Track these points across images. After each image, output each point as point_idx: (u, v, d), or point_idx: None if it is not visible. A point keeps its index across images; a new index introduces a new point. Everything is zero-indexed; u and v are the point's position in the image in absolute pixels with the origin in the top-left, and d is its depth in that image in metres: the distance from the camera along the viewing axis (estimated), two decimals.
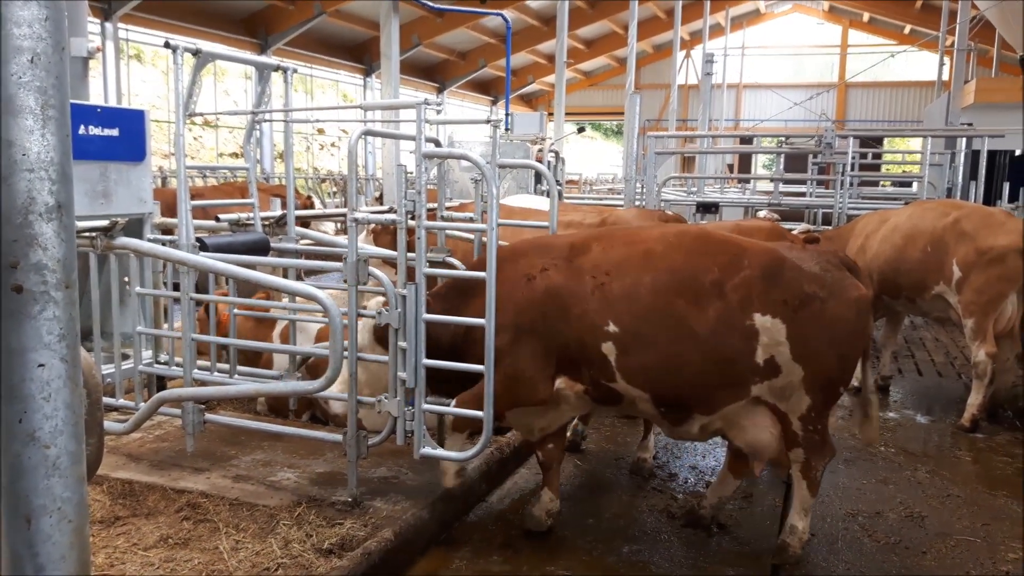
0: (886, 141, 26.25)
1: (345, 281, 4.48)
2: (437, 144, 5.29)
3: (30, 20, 1.54)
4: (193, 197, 7.99)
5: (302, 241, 6.01)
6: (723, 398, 4.25)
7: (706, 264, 4.20)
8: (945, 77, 26.74)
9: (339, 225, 11.94)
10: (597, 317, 4.20)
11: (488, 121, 4.79)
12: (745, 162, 33.56)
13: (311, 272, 8.28)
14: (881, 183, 19.78)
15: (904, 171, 22.85)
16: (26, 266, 1.60)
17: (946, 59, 27.13)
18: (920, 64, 37.59)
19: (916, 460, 6.10)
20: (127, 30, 21.59)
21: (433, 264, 4.89)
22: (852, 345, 4.26)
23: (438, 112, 4.45)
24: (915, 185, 12.67)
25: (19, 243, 1.59)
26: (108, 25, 19.93)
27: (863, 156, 15.17)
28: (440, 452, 4.57)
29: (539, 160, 11.21)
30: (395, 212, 4.42)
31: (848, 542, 4.75)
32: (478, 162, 4.22)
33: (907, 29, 37.18)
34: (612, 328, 4.18)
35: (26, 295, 1.61)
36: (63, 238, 1.64)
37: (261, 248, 5.49)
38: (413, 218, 4.36)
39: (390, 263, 4.90)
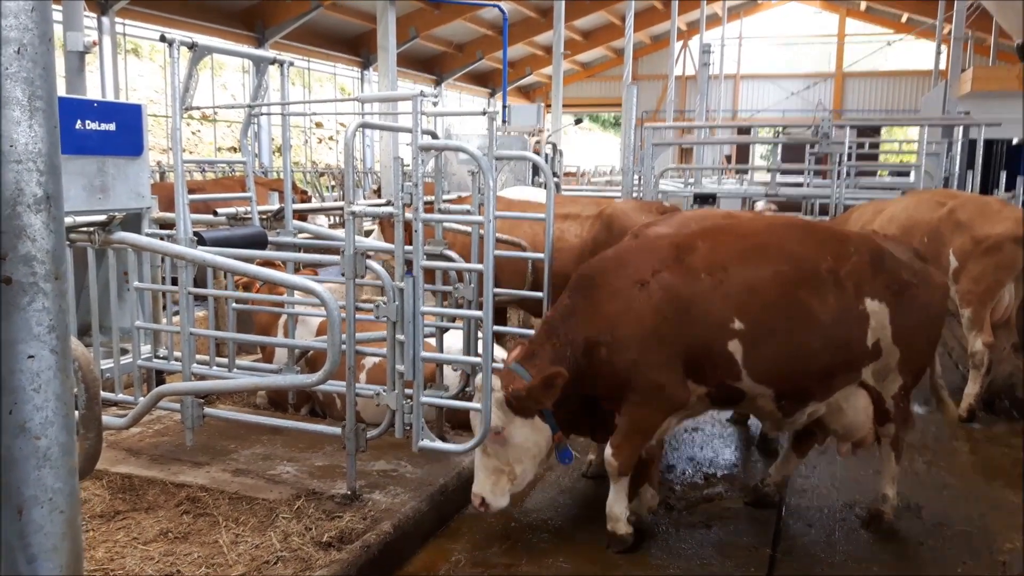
0: (884, 130, 26.23)
1: (343, 274, 4.48)
2: (434, 136, 5.29)
3: (16, 11, 1.54)
4: (193, 191, 8.02)
5: (300, 235, 6.01)
6: (838, 384, 4.38)
7: (820, 253, 4.26)
8: (942, 66, 26.69)
9: (335, 219, 11.94)
10: (721, 316, 4.11)
11: (485, 113, 4.79)
12: (743, 153, 33.52)
13: (310, 265, 8.29)
14: (879, 173, 19.77)
15: (902, 160, 22.84)
16: (15, 258, 1.60)
17: (943, 48, 27.08)
18: (917, 53, 37.55)
19: (913, 451, 6.10)
20: (124, 24, 21.53)
21: (431, 257, 4.90)
22: (936, 329, 4.68)
23: (434, 104, 4.44)
24: (912, 174, 12.66)
25: (8, 235, 1.59)
26: (105, 19, 19.88)
27: (860, 146, 15.16)
28: (439, 445, 4.59)
29: (536, 152, 11.20)
30: (392, 205, 4.42)
31: (845, 532, 4.76)
32: (475, 154, 4.22)
33: (904, 18, 37.13)
34: (737, 325, 4.10)
35: (15, 287, 1.61)
36: (52, 229, 1.65)
37: (259, 242, 5.50)
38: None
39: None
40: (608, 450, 4.27)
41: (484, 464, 4.16)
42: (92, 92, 16.45)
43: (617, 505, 4.39)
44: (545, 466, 4.45)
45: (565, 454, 4.31)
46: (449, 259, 5.12)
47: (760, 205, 15.68)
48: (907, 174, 17.06)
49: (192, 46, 5.01)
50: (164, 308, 6.08)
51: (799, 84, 34.05)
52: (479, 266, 4.21)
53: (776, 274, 4.16)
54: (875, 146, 19.47)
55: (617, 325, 4.11)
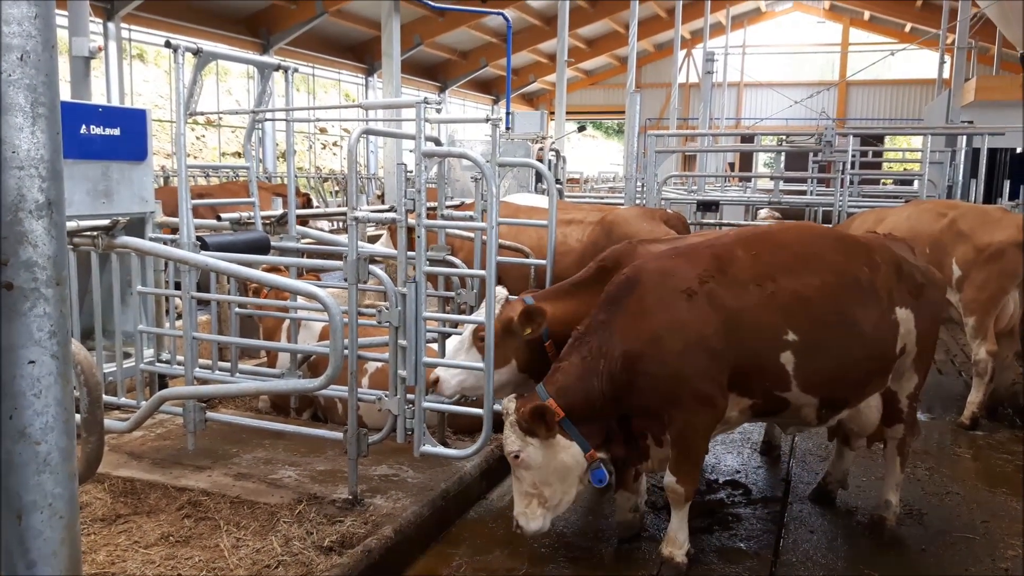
0: (887, 139, 26.22)
1: (345, 279, 4.49)
2: (437, 143, 5.31)
3: (20, 18, 1.55)
4: (199, 196, 8.04)
5: (303, 240, 6.03)
6: (872, 390, 4.50)
7: (858, 263, 4.30)
8: (946, 75, 26.73)
9: (339, 224, 11.96)
10: (774, 327, 4.05)
11: (488, 120, 4.81)
12: (746, 161, 33.56)
13: (313, 271, 8.31)
14: (882, 181, 19.78)
15: (906, 169, 22.83)
16: (16, 263, 1.60)
17: (947, 57, 27.11)
18: (921, 62, 37.55)
19: (916, 457, 6.09)
20: (129, 30, 21.62)
21: (434, 263, 4.91)
22: (939, 325, 4.82)
23: (438, 111, 4.46)
24: (916, 183, 12.68)
25: (9, 240, 1.59)
26: (111, 25, 19.97)
27: (863, 154, 15.16)
28: (440, 450, 4.60)
29: (540, 159, 11.22)
30: (396, 211, 4.43)
31: (847, 539, 4.76)
32: (478, 161, 4.23)
33: (908, 27, 37.14)
34: (791, 336, 4.05)
35: (16, 292, 1.61)
36: (53, 235, 1.65)
37: (262, 247, 5.51)
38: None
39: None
40: (671, 478, 4.13)
41: (516, 487, 4.06)
42: (98, 97, 16.52)
43: (681, 532, 4.24)
44: (584, 484, 4.16)
45: (598, 474, 4.08)
46: (452, 264, 5.13)
47: (763, 213, 15.71)
48: (911, 183, 17.09)
49: (197, 52, 5.04)
50: (167, 312, 6.09)
51: (802, 92, 33.99)
52: (481, 272, 4.22)
53: (823, 285, 4.14)
54: (879, 154, 19.48)
55: (663, 336, 3.95)
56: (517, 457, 3.91)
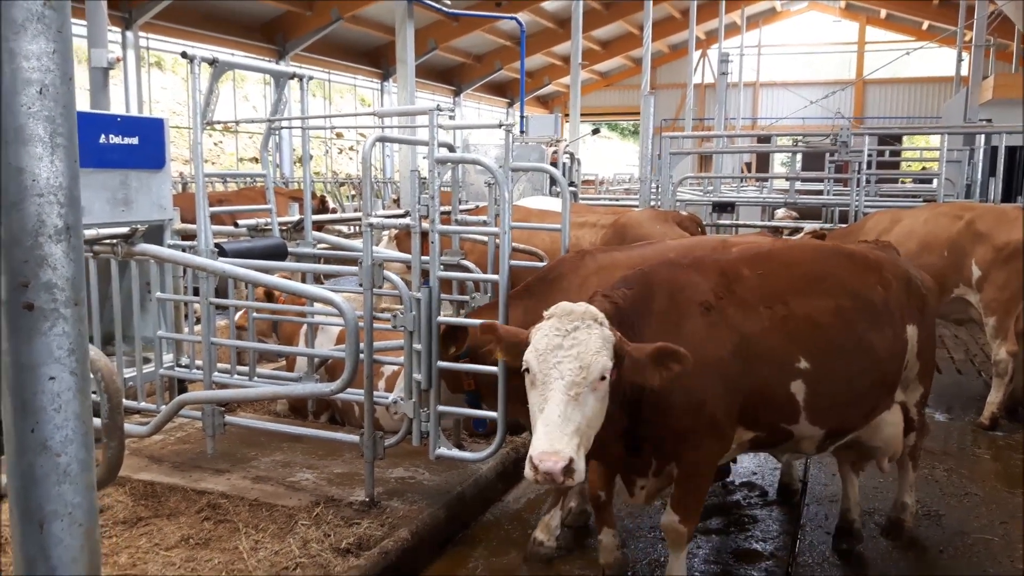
0: (906, 138, 26.03)
1: (360, 285, 4.54)
2: (451, 149, 5.35)
3: (39, 54, 1.63)
4: (217, 202, 8.14)
5: (319, 245, 6.08)
6: (879, 412, 4.20)
7: (870, 282, 4.00)
8: (964, 73, 26.50)
9: (355, 228, 12.04)
10: (787, 353, 3.68)
11: (501, 125, 4.84)
12: (763, 161, 33.42)
13: (329, 276, 8.39)
14: (901, 180, 19.64)
15: (925, 168, 22.66)
16: (36, 285, 1.69)
17: (964, 55, 26.89)
18: (939, 60, 37.26)
19: (934, 458, 6.07)
20: (147, 38, 21.88)
21: (448, 267, 4.95)
22: (935, 329, 4.67)
23: (451, 118, 4.50)
24: (935, 182, 12.61)
25: (30, 264, 1.68)
26: (129, 34, 20.21)
27: (880, 154, 15.06)
28: (455, 453, 4.63)
29: (554, 162, 11.25)
30: (410, 216, 4.48)
31: (865, 540, 4.74)
32: (490, 167, 4.27)
33: (925, 25, 36.89)
34: (803, 364, 3.69)
35: (37, 312, 1.69)
36: (72, 258, 1.74)
37: (279, 253, 5.58)
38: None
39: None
40: (672, 517, 3.71)
41: (562, 423, 3.00)
42: (116, 105, 16.72)
43: (681, 571, 3.87)
44: None
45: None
46: (466, 269, 5.17)
47: (780, 213, 15.65)
48: (930, 181, 16.97)
49: (213, 62, 5.10)
50: (186, 318, 6.17)
51: (819, 92, 33.85)
52: (495, 276, 4.25)
53: (837, 308, 3.82)
54: (896, 154, 19.34)
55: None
56: (604, 378, 3.09)
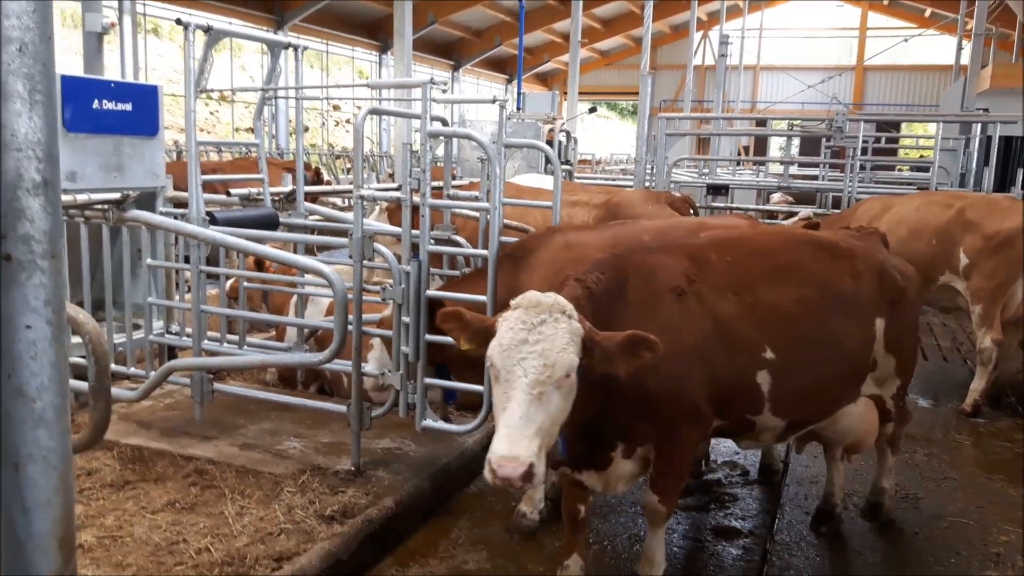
0: (904, 126, 26.00)
1: (351, 257, 4.56)
2: (444, 123, 5.35)
3: (19, 12, 1.69)
4: (211, 171, 8.11)
5: (311, 216, 6.09)
6: (843, 404, 4.14)
7: (839, 272, 3.92)
8: (965, 61, 26.46)
9: (348, 201, 12.03)
10: (753, 342, 3.61)
11: (495, 100, 4.84)
12: (761, 145, 33.40)
13: (323, 248, 8.39)
14: (898, 168, 19.66)
15: (922, 156, 22.67)
16: (14, 237, 1.75)
17: (965, 43, 26.81)
18: (940, 48, 37.15)
19: (916, 443, 6.15)
20: (144, 4, 21.64)
21: (439, 242, 4.97)
22: (918, 324, 4.54)
23: (444, 91, 4.50)
24: (930, 170, 12.65)
25: (8, 216, 1.74)
26: (126, 0, 19.98)
27: (877, 140, 15.07)
28: (441, 425, 4.68)
29: (550, 140, 11.24)
30: (402, 190, 4.50)
31: (841, 520, 4.81)
32: (482, 142, 4.28)
33: (928, 12, 36.74)
34: (769, 355, 3.62)
35: (15, 264, 1.75)
36: (49, 212, 1.79)
37: (270, 223, 5.59)
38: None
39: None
40: (652, 497, 3.70)
41: (523, 424, 2.86)
42: (112, 71, 16.58)
43: (659, 551, 3.87)
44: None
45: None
46: (457, 244, 5.19)
47: (776, 197, 15.67)
48: (927, 169, 17.00)
49: (207, 29, 5.09)
50: (177, 285, 6.19)
51: (819, 77, 33.82)
52: (484, 252, 4.27)
53: (804, 298, 3.75)
54: (893, 140, 19.34)
55: (658, 335, 3.23)
56: (568, 376, 2.95)
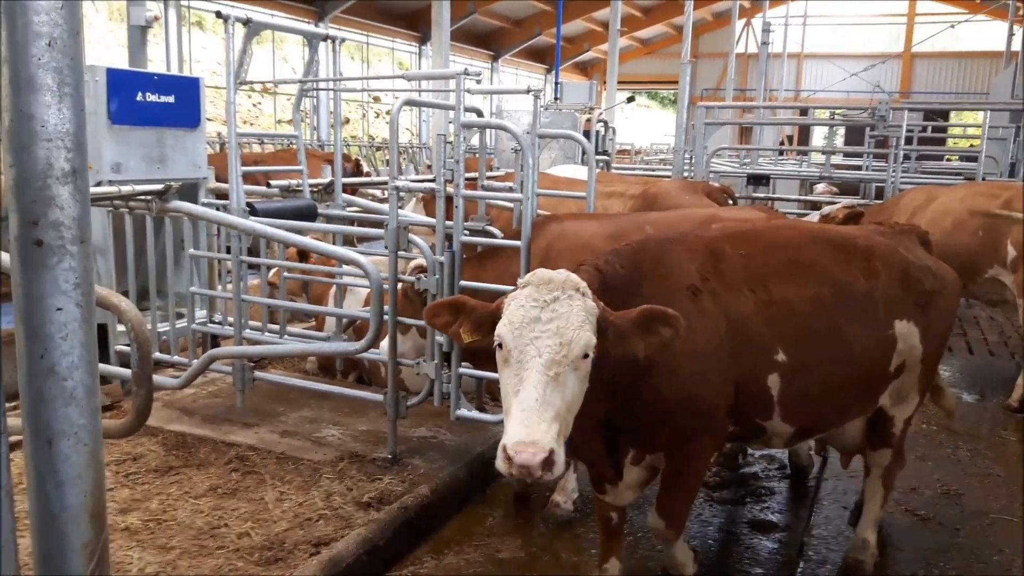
0: (954, 114, 25.36)
1: (386, 247, 4.61)
2: (479, 114, 5.37)
3: (48, 9, 1.79)
4: (253, 163, 8.27)
5: (349, 208, 6.16)
6: (854, 416, 3.87)
7: (854, 272, 3.64)
8: (1016, 47, 25.69)
9: (385, 192, 12.14)
10: (766, 343, 3.39)
11: (529, 91, 4.85)
12: (804, 134, 32.85)
13: (363, 239, 8.49)
14: (947, 157, 19.21)
15: (972, 145, 22.12)
16: (45, 223, 1.86)
17: (1016, 28, 26.05)
18: (991, 34, 36.09)
19: (958, 438, 6.04)
20: None
21: (473, 232, 5.00)
22: (949, 333, 4.07)
23: (478, 82, 4.52)
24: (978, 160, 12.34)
25: (39, 203, 1.85)
26: None
27: (924, 129, 14.73)
28: (476, 414, 4.72)
29: (587, 130, 11.19)
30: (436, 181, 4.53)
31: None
32: (515, 132, 4.29)
33: None
34: (780, 357, 3.39)
35: (45, 248, 1.87)
36: (78, 199, 1.90)
37: (309, 214, 5.66)
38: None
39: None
40: (658, 521, 3.50)
41: (540, 407, 2.61)
42: (158, 64, 16.87)
43: (683, 555, 3.72)
44: None
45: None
46: (491, 235, 5.21)
47: (820, 188, 15.42)
48: (976, 159, 16.61)
49: (247, 22, 5.16)
50: (219, 276, 6.31)
51: (864, 64, 33.07)
52: (517, 242, 4.28)
53: (817, 298, 3.51)
54: (940, 130, 18.90)
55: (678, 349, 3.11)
56: (587, 356, 2.74)
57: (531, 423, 2.55)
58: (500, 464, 2.57)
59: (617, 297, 3.07)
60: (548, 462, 2.51)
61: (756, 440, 3.77)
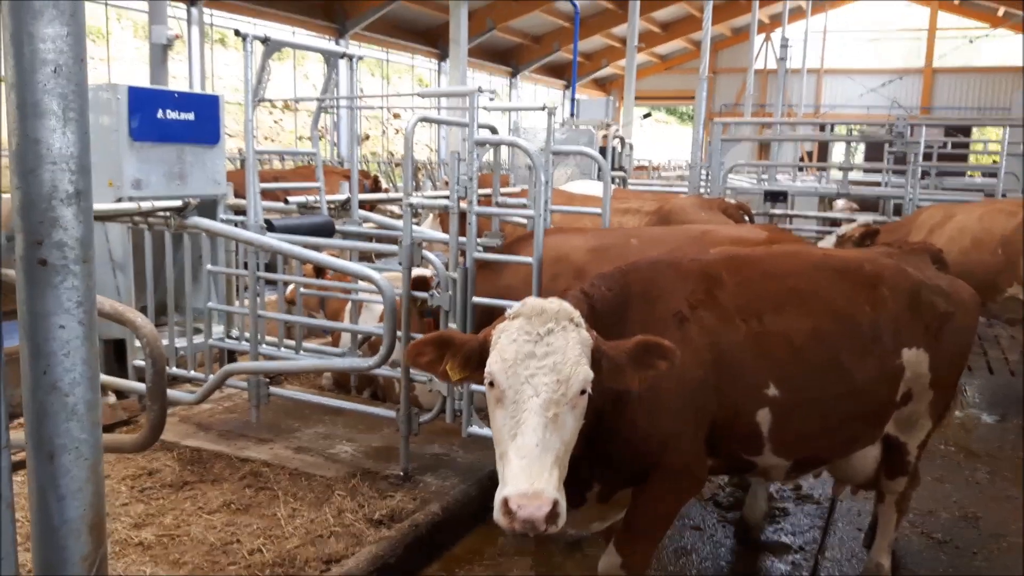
0: (976, 130, 25.16)
1: (400, 263, 4.64)
2: (493, 131, 5.40)
3: (54, 37, 1.85)
4: (272, 179, 8.34)
5: (365, 224, 6.20)
6: (860, 447, 3.73)
7: (858, 300, 3.46)
8: None
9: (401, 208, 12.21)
10: (756, 376, 3.22)
11: (544, 108, 4.87)
12: (824, 150, 32.69)
13: (380, 255, 8.53)
14: (969, 174, 19.05)
15: (995, 161, 21.93)
16: (49, 244, 1.92)
17: None
18: (1015, 48, 35.85)
19: (977, 460, 5.97)
20: (211, 14, 22.31)
21: (488, 249, 5.02)
22: (967, 354, 3.89)
23: (492, 99, 4.55)
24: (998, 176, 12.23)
25: (44, 224, 1.91)
26: (194, 10, 20.62)
27: (944, 145, 14.62)
28: (488, 431, 4.70)
29: (603, 146, 11.21)
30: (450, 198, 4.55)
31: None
32: (527, 149, 4.31)
33: (1001, 11, 35.51)
34: (772, 391, 3.23)
35: (49, 268, 1.92)
36: (81, 220, 1.96)
37: (326, 230, 5.71)
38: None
39: None
40: (614, 559, 3.23)
41: (538, 454, 2.44)
42: (181, 80, 17.10)
43: None
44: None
45: None
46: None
47: (840, 204, 15.34)
48: (996, 175, 16.45)
49: (265, 40, 5.23)
50: (237, 292, 6.36)
51: (885, 80, 32.96)
52: (529, 259, 4.30)
53: (816, 329, 3.34)
54: (961, 146, 18.76)
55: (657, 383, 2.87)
56: (584, 392, 2.59)
57: (533, 472, 2.38)
58: (500, 518, 2.39)
59: (603, 321, 2.94)
60: (553, 515, 2.36)
61: (748, 474, 3.65)
